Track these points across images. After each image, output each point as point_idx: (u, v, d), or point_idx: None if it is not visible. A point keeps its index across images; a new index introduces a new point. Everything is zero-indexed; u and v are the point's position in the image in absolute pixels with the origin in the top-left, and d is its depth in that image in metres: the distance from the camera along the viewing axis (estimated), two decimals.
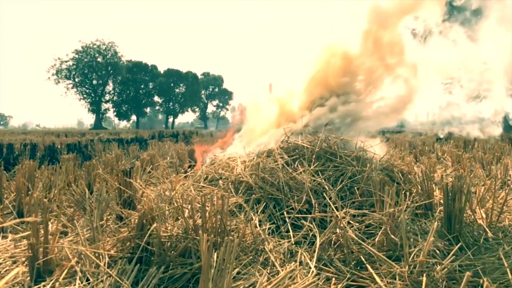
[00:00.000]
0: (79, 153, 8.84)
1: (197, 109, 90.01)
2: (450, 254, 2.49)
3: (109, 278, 2.12)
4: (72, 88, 76.40)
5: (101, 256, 2.33)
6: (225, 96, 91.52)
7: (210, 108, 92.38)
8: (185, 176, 4.71)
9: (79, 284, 2.09)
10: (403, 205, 2.83)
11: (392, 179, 3.97)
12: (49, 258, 2.27)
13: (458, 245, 2.63)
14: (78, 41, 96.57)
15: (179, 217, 2.79)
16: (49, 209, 3.38)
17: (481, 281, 2.25)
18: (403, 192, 3.36)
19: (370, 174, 3.56)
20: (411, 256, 2.44)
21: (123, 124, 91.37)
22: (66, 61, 75.79)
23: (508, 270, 2.42)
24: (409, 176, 4.25)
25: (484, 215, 3.36)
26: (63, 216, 3.27)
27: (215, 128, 72.63)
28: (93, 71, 76.97)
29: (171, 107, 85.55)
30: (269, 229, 3.04)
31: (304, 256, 2.58)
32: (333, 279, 2.35)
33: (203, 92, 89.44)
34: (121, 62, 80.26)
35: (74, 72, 76.05)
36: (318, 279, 2.32)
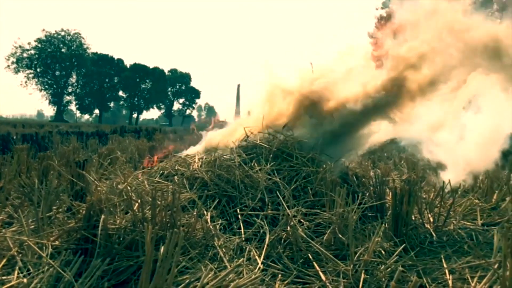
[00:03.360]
0: (34, 144, 8.56)
1: (162, 106, 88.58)
2: (394, 255, 2.58)
3: (51, 269, 2.07)
4: (33, 78, 73.59)
5: (44, 247, 2.27)
6: (192, 94, 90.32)
7: (176, 105, 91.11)
8: (142, 171, 4.64)
9: (18, 274, 2.04)
10: (353, 206, 2.90)
11: (346, 182, 4.05)
12: None
13: (402, 246, 2.72)
14: (41, 30, 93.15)
15: (129, 210, 2.76)
16: None
17: (419, 280, 2.34)
18: (354, 194, 3.44)
19: (324, 175, 3.62)
20: (357, 255, 2.51)
21: (86, 117, 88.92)
22: (27, 50, 72.99)
23: (447, 271, 2.52)
24: (363, 179, 4.34)
25: (431, 219, 3.49)
26: (10, 206, 3.16)
27: (181, 126, 71.48)
28: (56, 61, 74.24)
29: (136, 103, 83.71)
30: (220, 225, 3.05)
31: (253, 253, 2.60)
32: (279, 275, 2.39)
33: (169, 89, 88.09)
34: (86, 54, 77.97)
35: (36, 62, 73.24)
36: (265, 275, 2.34)
